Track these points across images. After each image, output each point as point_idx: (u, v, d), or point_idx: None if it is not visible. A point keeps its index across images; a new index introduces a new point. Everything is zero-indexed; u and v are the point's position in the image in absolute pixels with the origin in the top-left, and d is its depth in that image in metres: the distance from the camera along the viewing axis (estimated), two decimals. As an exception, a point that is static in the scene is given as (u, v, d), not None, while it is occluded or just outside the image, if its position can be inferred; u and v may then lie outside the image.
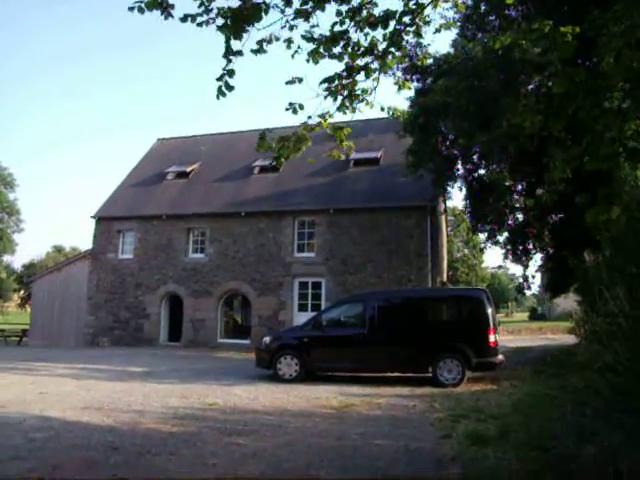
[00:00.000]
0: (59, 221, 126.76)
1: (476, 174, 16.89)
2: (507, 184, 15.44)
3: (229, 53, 4.70)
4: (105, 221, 24.26)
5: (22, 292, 64.55)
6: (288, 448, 6.18)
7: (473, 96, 13.02)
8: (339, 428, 7.31)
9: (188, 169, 25.26)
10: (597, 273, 7.70)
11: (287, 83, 5.32)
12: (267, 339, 13.03)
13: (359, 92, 5.44)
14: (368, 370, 12.44)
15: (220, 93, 4.83)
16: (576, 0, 11.39)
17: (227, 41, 4.63)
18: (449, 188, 19.34)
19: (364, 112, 5.84)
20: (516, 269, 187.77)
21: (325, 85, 5.21)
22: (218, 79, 4.84)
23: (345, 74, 5.14)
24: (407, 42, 15.35)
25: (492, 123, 12.41)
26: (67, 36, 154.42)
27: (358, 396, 9.97)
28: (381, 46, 5.09)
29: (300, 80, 5.29)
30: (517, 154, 13.59)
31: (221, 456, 5.82)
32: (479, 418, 7.78)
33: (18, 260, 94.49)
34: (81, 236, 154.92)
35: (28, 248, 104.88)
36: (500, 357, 12.00)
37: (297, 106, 5.38)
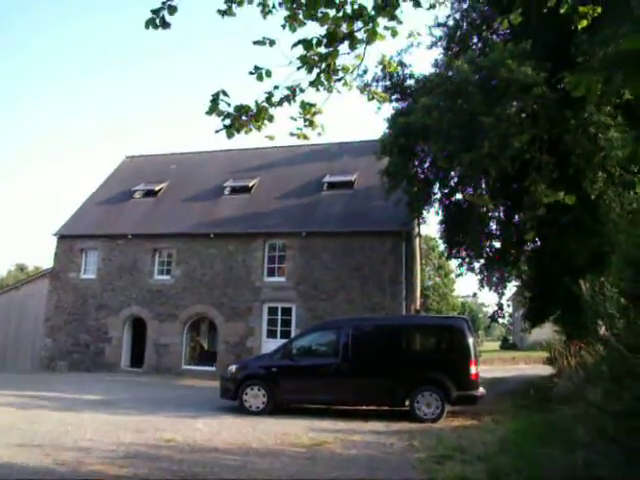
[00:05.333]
0: (24, 239, 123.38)
1: (453, 198, 16.47)
2: (486, 208, 15.01)
3: None
4: (68, 239, 23.13)
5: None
6: (253, 496, 5.41)
7: (455, 116, 12.60)
8: (311, 470, 6.57)
9: (157, 188, 24.38)
10: (596, 301, 7.17)
11: (255, 43, 4.44)
12: (233, 368, 12.17)
13: (339, 68, 4.57)
14: (341, 403, 11.70)
15: (151, 24, 4.10)
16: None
17: None
18: (425, 212, 18.92)
19: (341, 93, 4.86)
20: (486, 298, 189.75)
21: (300, 52, 4.29)
22: (154, 11, 4.08)
23: (326, 41, 4.26)
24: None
25: (474, 144, 11.98)
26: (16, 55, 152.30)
27: (331, 432, 9.19)
28: (370, 12, 4.30)
29: (272, 42, 4.40)
30: (497, 177, 13.19)
31: (174, 507, 5.03)
32: (464, 459, 7.13)
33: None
34: (46, 255, 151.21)
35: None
36: (481, 390, 11.37)
37: (264, 72, 4.41)
